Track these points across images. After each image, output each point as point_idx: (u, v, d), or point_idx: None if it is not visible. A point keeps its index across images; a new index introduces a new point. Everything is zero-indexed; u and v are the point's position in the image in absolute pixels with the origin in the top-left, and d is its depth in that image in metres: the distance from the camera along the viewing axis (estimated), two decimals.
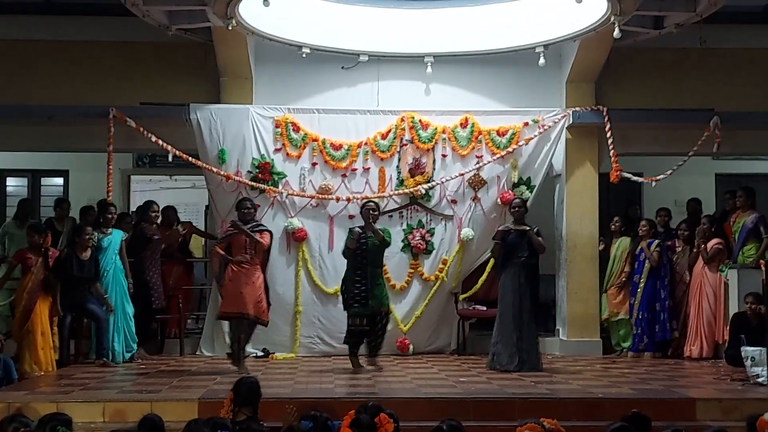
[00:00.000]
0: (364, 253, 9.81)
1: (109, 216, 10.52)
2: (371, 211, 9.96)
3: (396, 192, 11.38)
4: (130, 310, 10.36)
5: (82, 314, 10.10)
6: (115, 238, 10.41)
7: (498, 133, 11.53)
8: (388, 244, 10.06)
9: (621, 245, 11.60)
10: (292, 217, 11.33)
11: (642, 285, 11.27)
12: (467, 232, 11.45)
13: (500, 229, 10.02)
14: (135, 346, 10.42)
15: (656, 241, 11.29)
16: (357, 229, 9.91)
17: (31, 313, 9.51)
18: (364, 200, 10.51)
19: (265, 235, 9.60)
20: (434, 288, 11.47)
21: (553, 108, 11.69)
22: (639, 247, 11.40)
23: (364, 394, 7.97)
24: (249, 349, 10.30)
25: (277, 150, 11.39)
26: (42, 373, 9.35)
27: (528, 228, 9.81)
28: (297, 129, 11.42)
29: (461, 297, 11.58)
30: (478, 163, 11.49)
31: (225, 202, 11.21)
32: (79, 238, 10.05)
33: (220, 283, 9.58)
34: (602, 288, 11.70)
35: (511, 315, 9.69)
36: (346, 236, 10.01)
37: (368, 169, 11.48)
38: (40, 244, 9.79)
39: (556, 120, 11.57)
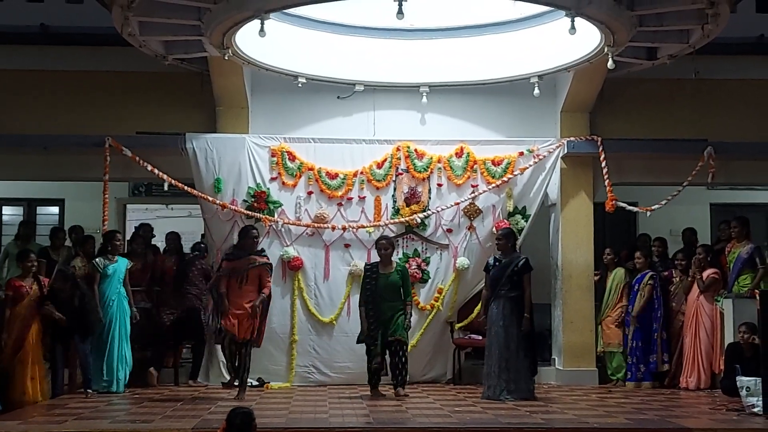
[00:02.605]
0: (374, 288, 9.88)
1: (117, 243, 10.55)
2: (382, 250, 10.10)
3: (391, 221, 11.40)
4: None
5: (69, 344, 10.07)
6: (120, 266, 10.41)
7: (493, 162, 11.57)
8: (398, 285, 10.03)
9: (616, 277, 11.59)
10: (287, 245, 11.33)
11: (635, 315, 11.26)
12: (463, 261, 11.46)
13: (488, 260, 10.14)
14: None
15: (649, 274, 11.30)
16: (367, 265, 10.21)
17: (24, 341, 9.44)
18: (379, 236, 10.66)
19: (267, 284, 9.70)
20: (430, 317, 11.45)
21: (548, 138, 11.74)
22: (635, 278, 11.39)
23: (359, 424, 7.94)
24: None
25: (272, 179, 11.41)
26: (32, 403, 9.26)
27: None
28: (293, 158, 11.45)
29: (457, 326, 11.56)
30: (473, 192, 11.52)
31: (221, 230, 11.22)
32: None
33: (219, 317, 9.65)
34: (597, 319, 11.68)
35: (498, 346, 9.74)
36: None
37: (364, 198, 11.50)
38: (33, 271, 9.73)
39: (551, 150, 11.61)
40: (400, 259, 11.36)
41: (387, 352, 9.90)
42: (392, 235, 11.33)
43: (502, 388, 9.63)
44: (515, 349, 9.69)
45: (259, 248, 10.04)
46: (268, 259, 10.00)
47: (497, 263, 9.97)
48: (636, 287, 11.33)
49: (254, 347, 9.75)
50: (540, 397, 9.81)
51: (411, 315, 10.02)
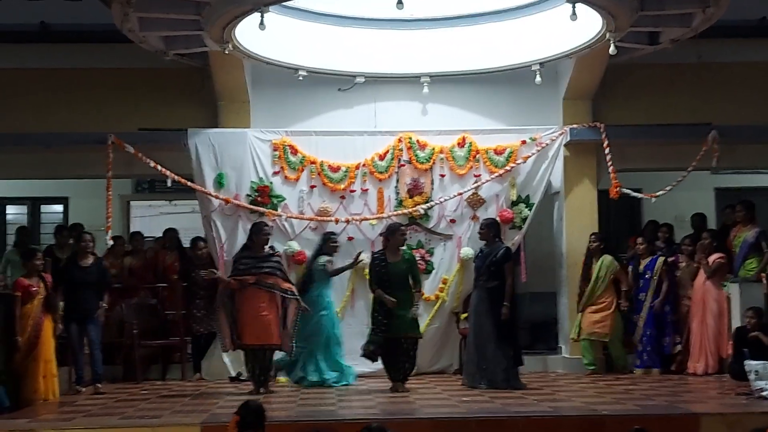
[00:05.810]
0: (386, 277, 9.74)
1: (334, 245, 10.56)
2: (385, 235, 10.04)
3: (395, 213, 11.36)
4: None
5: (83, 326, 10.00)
6: None
7: (496, 151, 11.53)
8: (408, 272, 9.85)
9: (604, 264, 11.32)
10: (291, 240, 11.30)
11: (647, 303, 11.20)
12: (467, 251, 11.42)
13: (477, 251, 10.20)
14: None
15: (661, 258, 11.23)
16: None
17: (38, 341, 9.40)
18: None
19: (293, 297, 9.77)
20: (435, 308, 11.42)
21: (551, 126, 11.70)
22: (643, 265, 11.31)
23: (367, 415, 7.93)
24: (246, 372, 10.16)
25: (275, 173, 11.38)
26: (44, 401, 9.27)
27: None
28: (295, 152, 11.42)
29: (462, 316, 11.52)
30: (476, 182, 11.49)
31: (225, 226, 11.19)
32: (78, 245, 10.13)
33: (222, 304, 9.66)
34: (578, 307, 11.38)
35: (474, 335, 9.82)
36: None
37: (366, 190, 11.47)
38: (39, 268, 9.67)
39: (554, 137, 11.57)
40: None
41: (394, 347, 9.68)
42: None
43: (478, 377, 9.69)
44: (489, 339, 9.68)
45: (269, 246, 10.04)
46: (280, 256, 10.16)
47: (480, 253, 10.00)
48: (648, 274, 11.24)
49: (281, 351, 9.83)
50: (542, 386, 9.82)
51: (419, 305, 9.91)
